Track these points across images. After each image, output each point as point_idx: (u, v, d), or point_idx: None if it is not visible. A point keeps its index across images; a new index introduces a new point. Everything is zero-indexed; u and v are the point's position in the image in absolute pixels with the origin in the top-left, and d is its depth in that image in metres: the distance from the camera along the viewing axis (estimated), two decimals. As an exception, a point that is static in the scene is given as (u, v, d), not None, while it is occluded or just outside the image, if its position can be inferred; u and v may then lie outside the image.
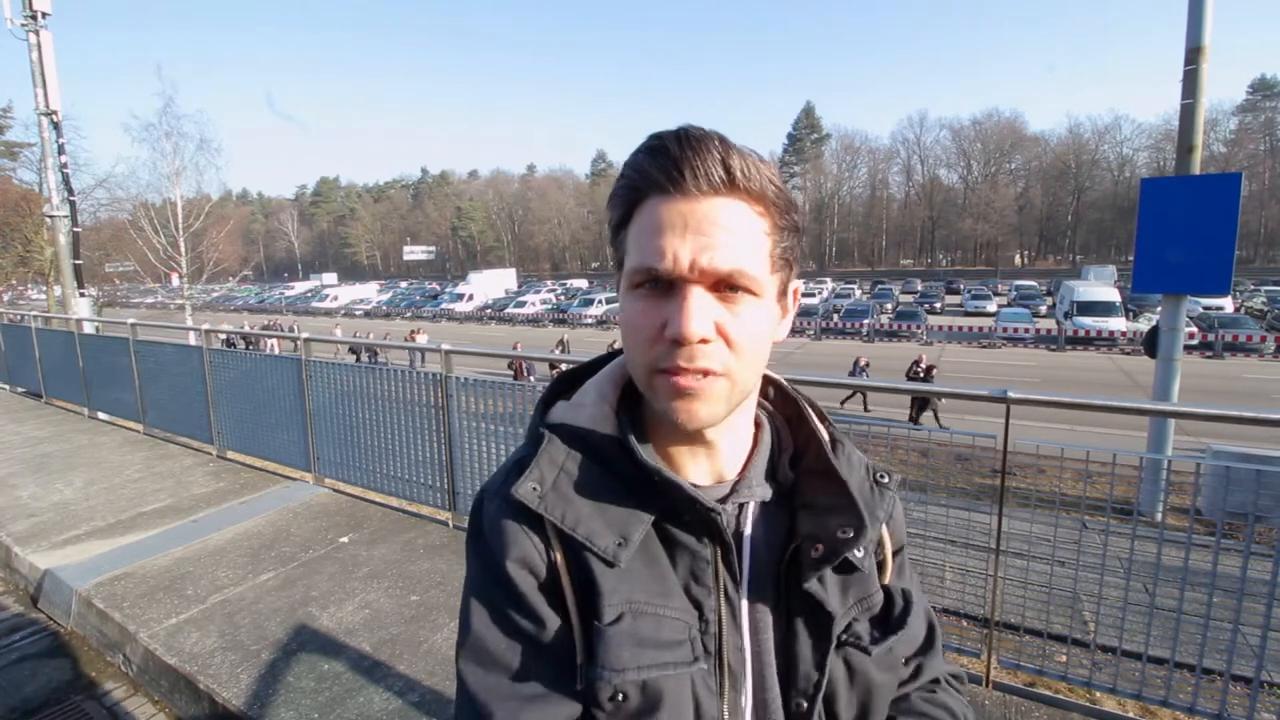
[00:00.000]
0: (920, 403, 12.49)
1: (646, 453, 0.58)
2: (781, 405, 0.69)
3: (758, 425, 0.66)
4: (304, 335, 4.85)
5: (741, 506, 0.61)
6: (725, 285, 0.52)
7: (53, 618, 3.40)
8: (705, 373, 0.52)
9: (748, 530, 0.61)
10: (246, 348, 17.95)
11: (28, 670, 2.98)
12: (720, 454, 0.61)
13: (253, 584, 3.27)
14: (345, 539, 3.77)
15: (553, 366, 15.69)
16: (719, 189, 0.51)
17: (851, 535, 0.58)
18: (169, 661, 2.67)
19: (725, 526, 0.57)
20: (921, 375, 13.33)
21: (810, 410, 0.67)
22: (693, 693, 0.55)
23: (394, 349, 22.59)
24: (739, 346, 0.52)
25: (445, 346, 3.99)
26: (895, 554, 0.69)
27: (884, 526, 0.67)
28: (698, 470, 0.61)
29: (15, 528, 4.06)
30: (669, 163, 0.51)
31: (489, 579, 0.57)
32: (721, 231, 0.51)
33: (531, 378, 13.33)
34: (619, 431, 0.58)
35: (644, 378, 0.54)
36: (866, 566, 0.63)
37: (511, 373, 14.76)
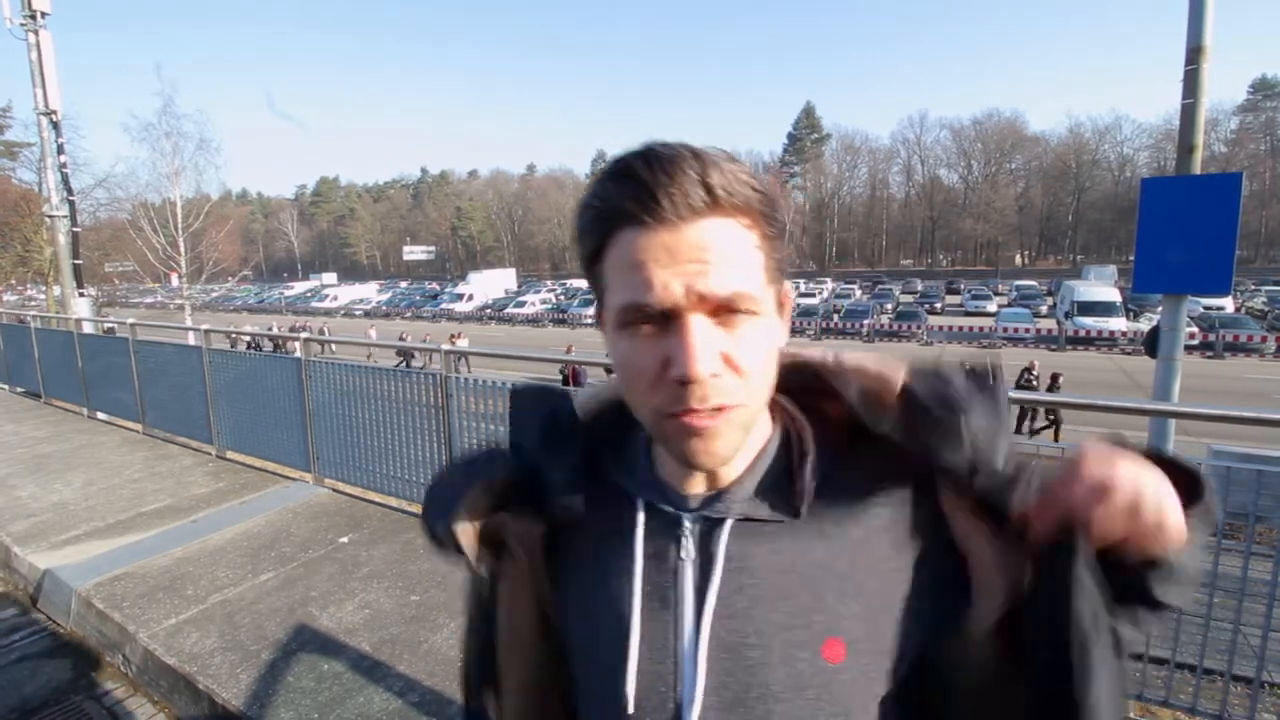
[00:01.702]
0: (1035, 416, 11.09)
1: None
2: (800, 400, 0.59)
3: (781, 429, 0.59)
4: (304, 335, 4.85)
5: (714, 521, 0.55)
6: (725, 310, 0.47)
7: (52, 618, 3.40)
8: (720, 409, 0.48)
9: (720, 548, 0.54)
10: (275, 350, 17.78)
11: (27, 670, 2.98)
12: None
13: (252, 584, 3.26)
14: (345, 539, 3.77)
15: (609, 371, 15.25)
16: (701, 211, 0.46)
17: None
18: (169, 661, 2.67)
19: (637, 525, 0.57)
20: (1036, 384, 11.72)
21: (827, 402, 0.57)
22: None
23: (435, 352, 22.34)
24: (748, 371, 0.49)
25: (445, 347, 4.00)
26: None
27: None
28: (692, 478, 0.57)
29: (14, 528, 4.06)
30: (641, 190, 0.46)
31: None
32: (713, 255, 0.46)
33: (587, 382, 12.51)
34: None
35: (652, 423, 0.51)
36: None
37: (562, 378, 13.57)
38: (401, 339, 22.74)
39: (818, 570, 0.54)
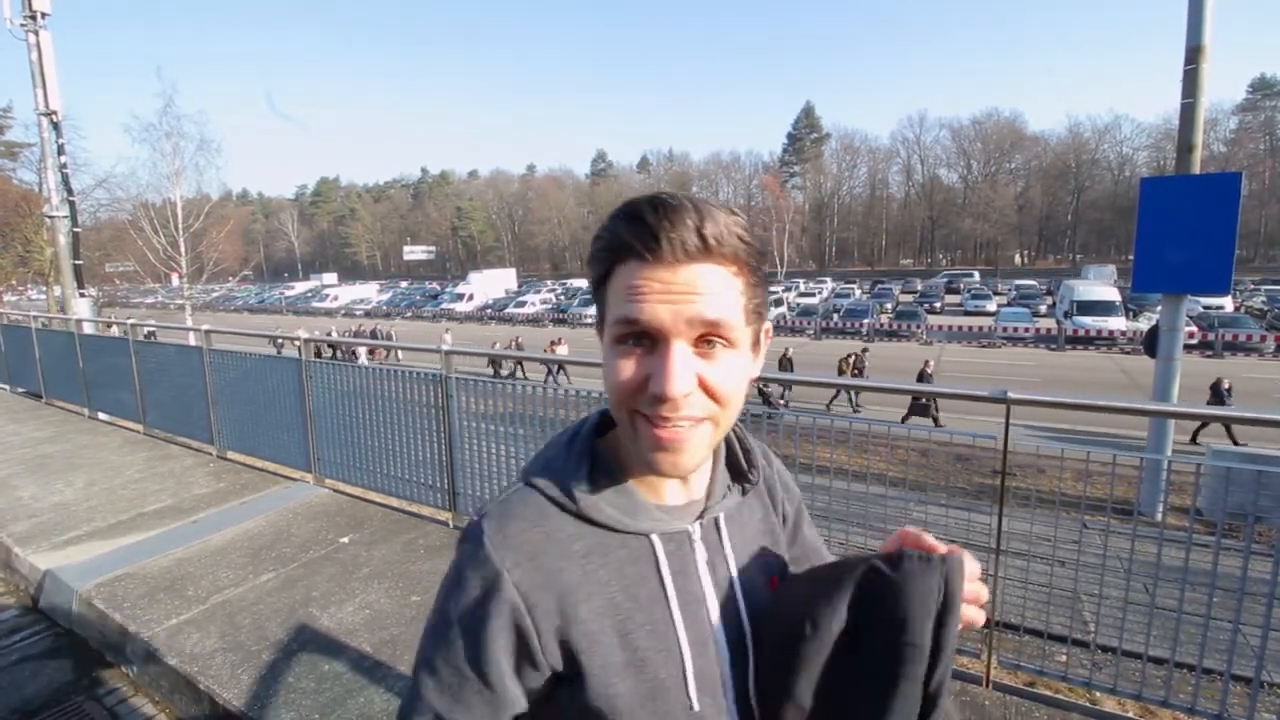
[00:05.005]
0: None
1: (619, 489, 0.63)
2: None
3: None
4: (303, 335, 4.85)
5: (716, 520, 0.67)
6: (704, 339, 0.54)
7: (53, 618, 3.40)
8: (688, 420, 0.54)
9: (725, 543, 0.67)
10: (335, 356, 17.56)
11: (28, 671, 2.98)
12: (691, 477, 0.65)
13: (253, 584, 3.27)
14: (346, 539, 3.77)
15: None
16: (695, 256, 0.53)
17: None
18: (169, 662, 2.67)
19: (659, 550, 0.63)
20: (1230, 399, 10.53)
21: None
22: None
23: (532, 360, 21.77)
24: (720, 395, 0.55)
25: (444, 347, 3.99)
26: None
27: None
28: (672, 492, 0.65)
29: (16, 528, 4.06)
30: (645, 231, 0.52)
31: None
32: (701, 291, 0.53)
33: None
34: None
35: (627, 422, 0.57)
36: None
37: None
38: (495, 346, 21.00)
39: (762, 527, 0.72)
